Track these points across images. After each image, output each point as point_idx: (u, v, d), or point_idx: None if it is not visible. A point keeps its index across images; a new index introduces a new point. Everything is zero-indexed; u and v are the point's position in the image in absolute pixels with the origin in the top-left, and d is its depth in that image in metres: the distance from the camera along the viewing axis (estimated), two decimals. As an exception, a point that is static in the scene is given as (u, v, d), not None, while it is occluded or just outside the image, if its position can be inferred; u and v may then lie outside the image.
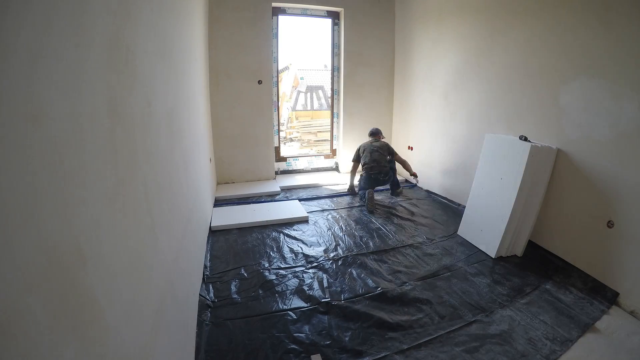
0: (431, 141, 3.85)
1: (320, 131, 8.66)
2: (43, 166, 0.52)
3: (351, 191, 3.85)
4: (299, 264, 2.39)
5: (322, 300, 1.97)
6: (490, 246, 2.50)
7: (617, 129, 1.97)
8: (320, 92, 11.67)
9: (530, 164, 2.29)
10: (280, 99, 6.46)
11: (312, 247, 2.62)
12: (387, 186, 3.85)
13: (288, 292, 2.08)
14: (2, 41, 0.44)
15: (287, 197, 3.71)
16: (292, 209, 3.31)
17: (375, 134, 3.83)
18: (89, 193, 0.67)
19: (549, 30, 2.35)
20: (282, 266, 2.36)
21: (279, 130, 4.48)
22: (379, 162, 3.60)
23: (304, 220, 3.11)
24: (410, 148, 4.26)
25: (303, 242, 2.70)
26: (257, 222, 3.00)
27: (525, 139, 2.43)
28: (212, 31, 3.66)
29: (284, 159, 4.56)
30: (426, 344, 1.68)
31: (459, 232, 2.86)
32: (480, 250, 2.59)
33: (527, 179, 2.32)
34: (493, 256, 2.46)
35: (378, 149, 3.67)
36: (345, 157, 4.59)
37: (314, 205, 3.53)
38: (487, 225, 2.56)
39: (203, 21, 3.19)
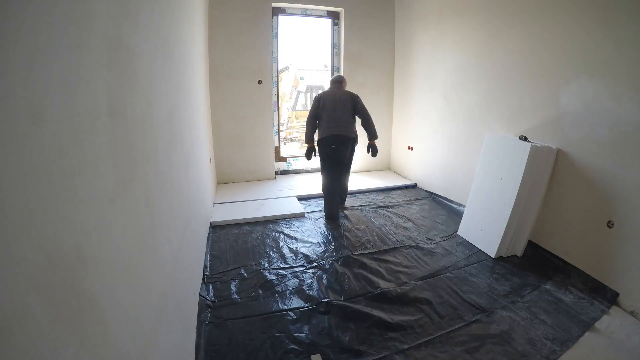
0: (431, 141, 3.85)
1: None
2: (43, 166, 0.52)
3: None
4: (299, 263, 2.39)
5: (322, 300, 1.97)
6: (490, 246, 2.50)
7: (617, 129, 1.97)
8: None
9: (530, 164, 2.29)
10: (280, 99, 6.46)
11: (312, 247, 2.62)
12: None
13: (288, 292, 2.08)
14: (3, 41, 0.44)
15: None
16: (289, 205, 3.31)
17: (340, 81, 3.16)
18: (89, 193, 0.67)
19: (549, 30, 2.35)
20: (282, 266, 2.36)
21: (279, 130, 4.48)
22: (340, 123, 2.93)
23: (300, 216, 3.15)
24: (410, 148, 4.26)
25: (303, 242, 2.70)
26: (256, 218, 3.05)
27: (525, 139, 2.43)
28: (212, 31, 3.66)
29: (284, 159, 4.55)
30: (426, 344, 1.68)
31: (459, 232, 2.86)
32: (481, 250, 2.59)
33: (527, 179, 2.32)
34: (493, 256, 2.46)
35: (341, 101, 3.00)
36: (345, 157, 4.58)
37: (314, 204, 3.53)
38: (488, 225, 2.56)
39: (203, 21, 3.19)
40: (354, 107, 3.05)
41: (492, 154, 2.62)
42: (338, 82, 3.19)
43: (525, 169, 2.29)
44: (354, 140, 3.04)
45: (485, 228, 2.58)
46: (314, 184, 4.11)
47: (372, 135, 3.16)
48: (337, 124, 2.92)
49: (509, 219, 2.38)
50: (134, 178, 0.94)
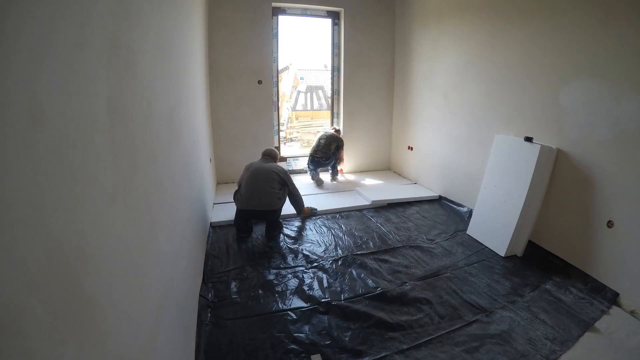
0: (431, 141, 3.85)
1: (320, 131, 8.64)
2: (43, 166, 0.52)
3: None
4: (299, 264, 2.39)
5: (322, 300, 1.97)
6: (500, 245, 2.53)
7: (617, 129, 1.97)
8: (320, 92, 11.65)
9: (539, 164, 2.32)
10: (280, 99, 6.45)
11: (312, 247, 2.62)
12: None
13: (288, 292, 2.08)
14: (4, 41, 0.44)
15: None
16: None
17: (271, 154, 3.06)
18: (89, 193, 0.67)
19: (549, 30, 2.35)
20: (282, 266, 2.36)
21: (279, 130, 4.48)
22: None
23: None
24: (410, 148, 4.26)
25: (303, 242, 2.70)
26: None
27: (530, 140, 2.43)
28: (212, 31, 3.66)
29: (284, 159, 4.55)
30: (426, 344, 1.68)
31: (468, 232, 2.86)
32: (481, 250, 2.59)
33: (535, 179, 2.35)
34: (503, 255, 2.49)
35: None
36: (346, 157, 4.58)
37: (314, 204, 3.52)
38: (497, 225, 2.58)
39: (203, 21, 3.19)
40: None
41: (501, 154, 2.65)
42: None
43: (535, 169, 2.32)
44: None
45: (495, 227, 2.60)
46: (315, 184, 4.11)
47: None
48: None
49: (518, 218, 2.40)
50: (134, 178, 0.94)
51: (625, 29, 1.90)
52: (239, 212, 2.77)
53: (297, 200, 2.96)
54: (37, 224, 0.50)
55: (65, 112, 0.60)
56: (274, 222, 2.83)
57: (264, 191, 2.67)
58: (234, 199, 2.83)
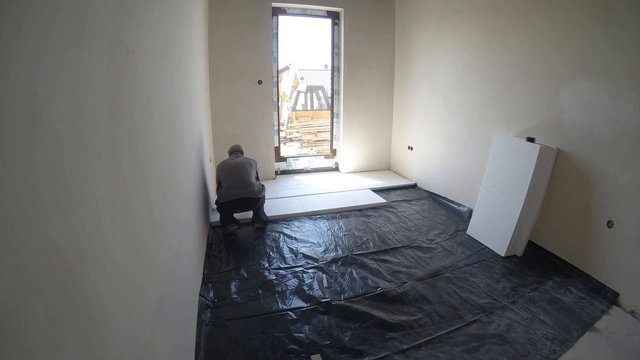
0: (431, 141, 3.85)
1: (320, 131, 8.65)
2: (44, 166, 0.52)
3: None
4: (299, 264, 2.39)
5: (322, 300, 1.97)
6: (500, 245, 2.53)
7: (617, 129, 1.97)
8: (320, 92, 11.65)
9: (539, 164, 2.32)
10: (280, 99, 6.46)
11: (312, 247, 2.62)
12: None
13: (288, 292, 2.08)
14: (4, 41, 0.44)
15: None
16: (289, 205, 3.31)
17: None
18: (89, 193, 0.67)
19: (549, 30, 2.35)
20: (282, 266, 2.36)
21: (279, 130, 4.48)
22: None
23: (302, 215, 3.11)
24: (410, 148, 4.26)
25: (303, 242, 2.70)
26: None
27: (532, 140, 2.43)
28: (212, 31, 3.66)
29: (284, 159, 4.56)
30: (426, 344, 1.69)
31: (468, 232, 2.86)
32: (481, 250, 2.59)
33: (535, 179, 2.35)
34: (503, 255, 2.49)
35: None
36: (346, 157, 4.59)
37: (314, 204, 3.52)
38: (497, 225, 2.58)
39: (203, 21, 3.19)
40: None
41: (501, 154, 2.65)
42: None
43: (534, 169, 2.32)
44: None
45: (495, 227, 2.60)
46: (315, 184, 4.11)
47: None
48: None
49: (518, 218, 2.40)
50: (134, 178, 0.94)
51: (624, 29, 1.90)
52: (223, 207, 2.79)
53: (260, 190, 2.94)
54: (37, 224, 0.50)
55: (65, 112, 0.60)
56: (258, 212, 2.96)
57: (245, 180, 2.81)
58: (216, 201, 2.83)
